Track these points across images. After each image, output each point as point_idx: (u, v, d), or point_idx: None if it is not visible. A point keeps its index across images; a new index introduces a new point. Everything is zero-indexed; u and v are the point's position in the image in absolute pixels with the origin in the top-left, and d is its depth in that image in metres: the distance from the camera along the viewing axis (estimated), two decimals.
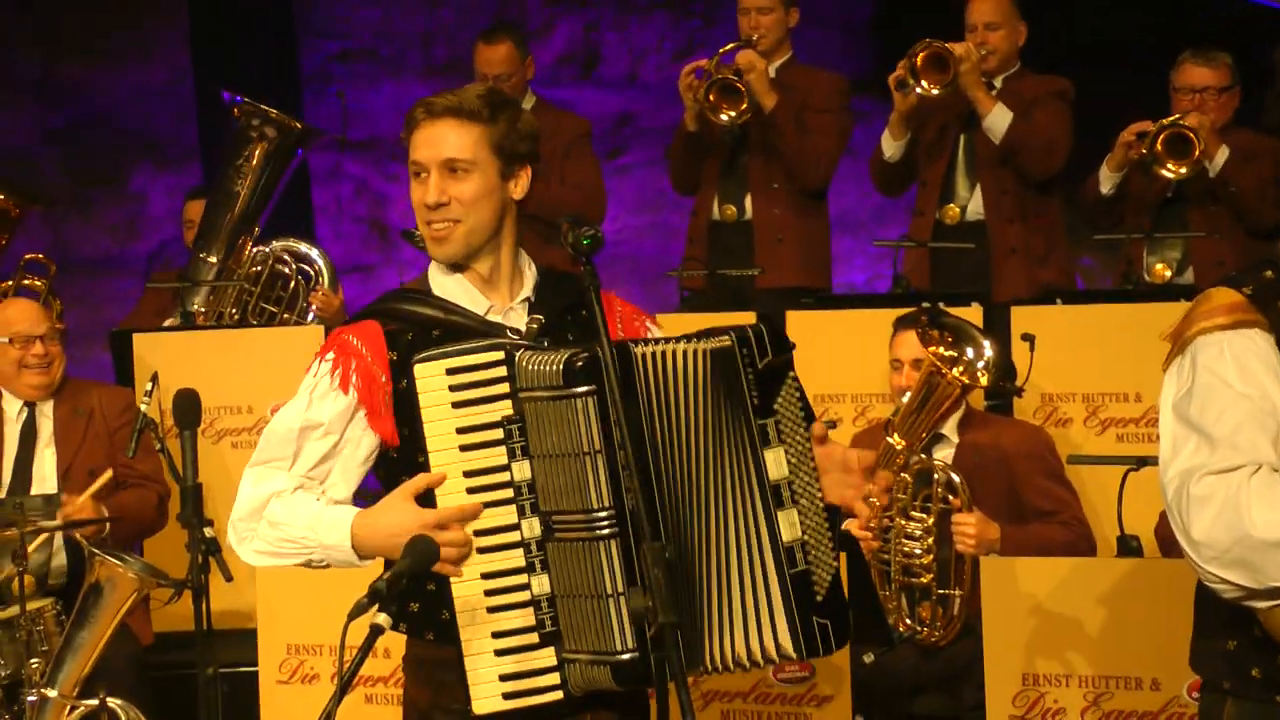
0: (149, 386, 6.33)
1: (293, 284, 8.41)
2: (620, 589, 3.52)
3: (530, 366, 3.60)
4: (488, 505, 3.63)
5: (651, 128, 11.51)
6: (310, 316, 8.32)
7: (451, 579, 3.62)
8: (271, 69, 10.78)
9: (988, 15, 7.97)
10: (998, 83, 7.98)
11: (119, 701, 5.86)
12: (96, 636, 5.92)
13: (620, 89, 11.86)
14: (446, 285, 3.87)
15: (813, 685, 5.63)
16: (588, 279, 3.59)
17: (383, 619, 3.41)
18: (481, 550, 3.62)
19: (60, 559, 6.66)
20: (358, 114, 11.68)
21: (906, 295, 7.34)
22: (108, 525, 6.54)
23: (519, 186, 3.86)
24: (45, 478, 6.77)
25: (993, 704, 5.56)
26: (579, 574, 3.58)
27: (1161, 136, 7.44)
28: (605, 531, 3.54)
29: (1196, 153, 7.39)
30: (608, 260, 10.26)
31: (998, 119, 7.81)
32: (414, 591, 3.64)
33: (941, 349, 5.94)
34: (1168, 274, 7.63)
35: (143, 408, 6.26)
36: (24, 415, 6.87)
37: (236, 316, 8.35)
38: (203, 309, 8.46)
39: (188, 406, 5.68)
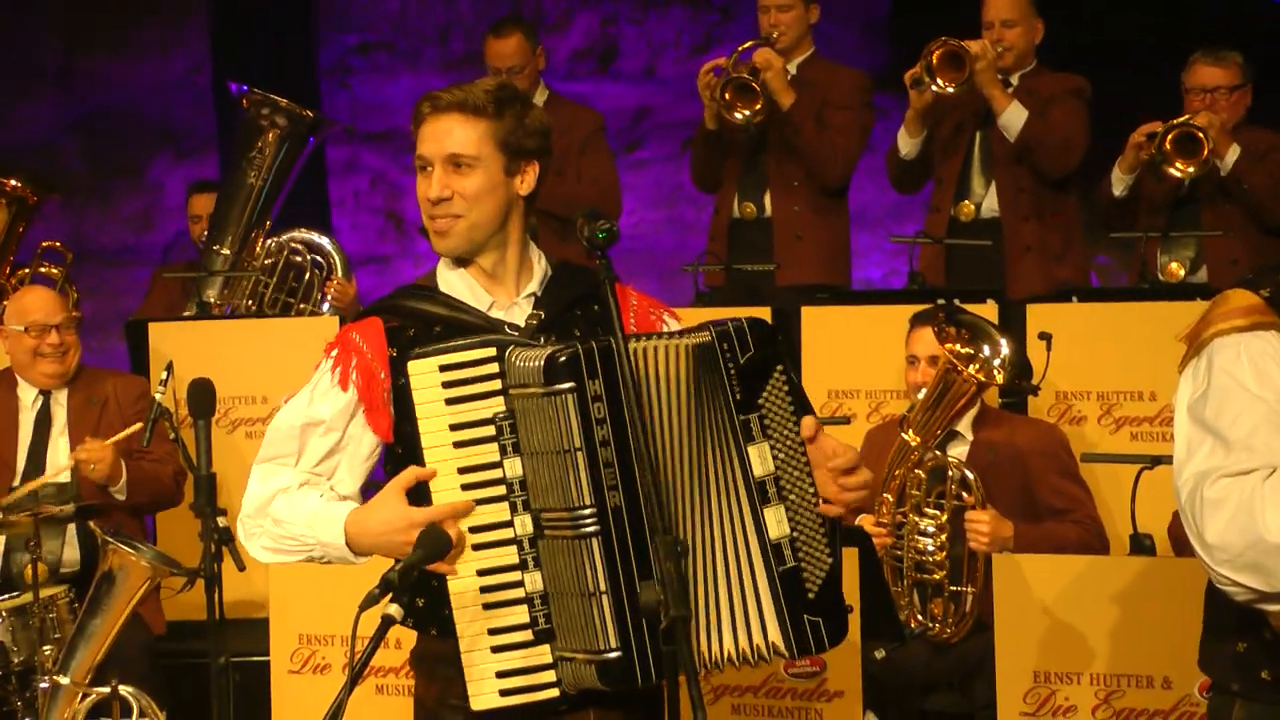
0: (164, 376, 6.33)
1: (308, 274, 8.42)
2: (604, 587, 3.51)
3: (518, 363, 3.59)
4: (481, 502, 3.62)
5: (669, 122, 11.51)
6: (326, 307, 8.32)
7: (447, 576, 3.62)
8: (289, 61, 10.80)
9: (1004, 12, 7.95)
10: (1014, 80, 7.97)
11: (131, 689, 5.87)
12: (109, 624, 5.93)
13: (638, 83, 11.86)
14: (451, 281, 3.87)
15: (823, 680, 5.63)
16: (603, 272, 3.59)
17: (394, 610, 3.41)
18: (476, 547, 3.61)
19: (73, 547, 6.68)
20: (375, 106, 11.70)
21: (922, 292, 7.34)
22: (121, 487, 6.55)
23: (525, 182, 3.84)
24: (59, 466, 6.77)
25: (1004, 701, 5.56)
26: (566, 572, 3.57)
27: (1170, 136, 7.42)
28: (589, 529, 3.52)
29: (1205, 152, 7.37)
30: (623, 254, 10.23)
31: (1013, 117, 7.80)
32: (420, 586, 3.63)
33: (958, 346, 5.94)
34: (1182, 273, 7.62)
35: (158, 397, 6.27)
36: (39, 403, 6.88)
37: (253, 308, 8.36)
38: (218, 302, 8.47)
39: (202, 396, 5.70)
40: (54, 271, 8.52)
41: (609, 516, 3.53)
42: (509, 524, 3.62)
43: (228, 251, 8.48)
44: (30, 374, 6.87)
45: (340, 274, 8.39)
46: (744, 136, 8.26)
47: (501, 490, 3.62)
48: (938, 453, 5.94)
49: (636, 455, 3.54)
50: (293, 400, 3.87)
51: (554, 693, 3.62)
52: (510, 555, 3.62)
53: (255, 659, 6.43)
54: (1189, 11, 9.79)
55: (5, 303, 7.43)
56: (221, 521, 5.42)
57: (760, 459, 3.66)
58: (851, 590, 5.49)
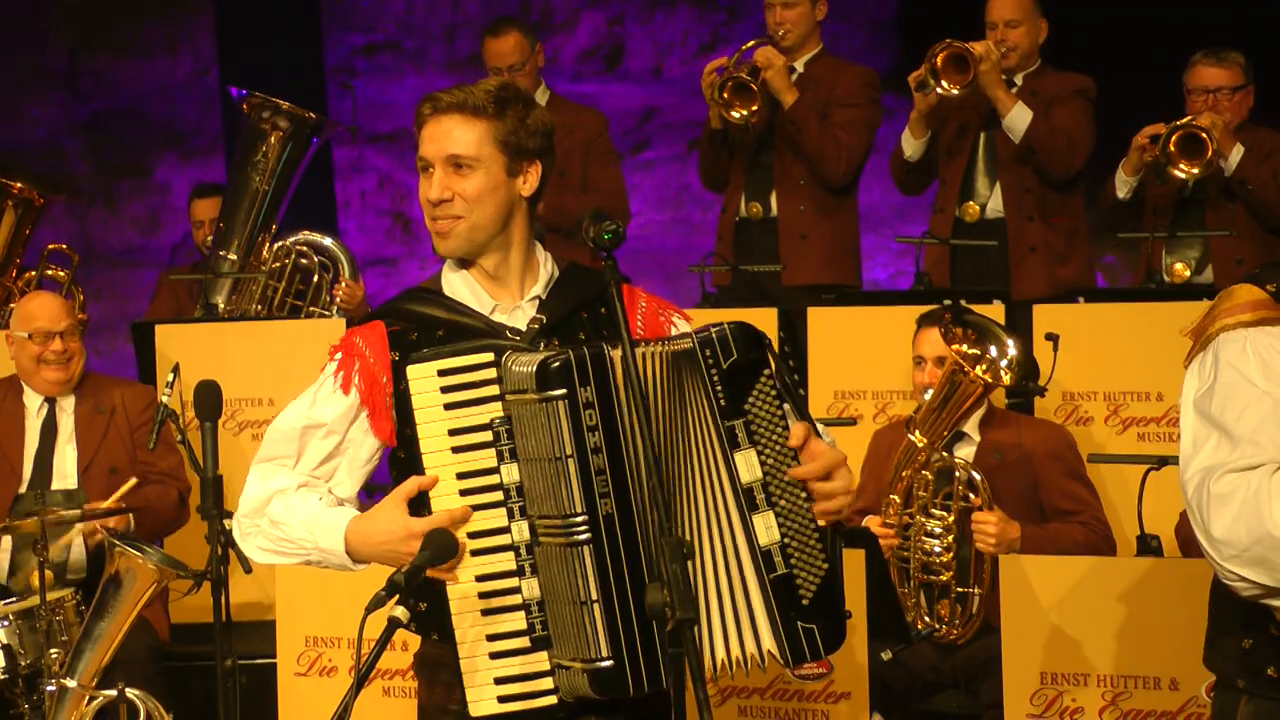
0: (170, 378, 6.33)
1: (316, 277, 8.41)
2: (595, 596, 3.50)
3: (514, 368, 3.58)
4: (479, 508, 3.60)
5: (675, 122, 11.51)
6: (334, 310, 8.32)
7: (447, 581, 3.61)
8: (296, 62, 10.80)
9: (1008, 12, 7.95)
10: (1018, 80, 7.96)
11: (137, 692, 5.86)
12: (116, 627, 5.92)
13: (644, 83, 11.85)
14: (455, 283, 3.86)
15: (830, 682, 5.62)
16: (609, 274, 3.58)
17: (400, 612, 3.42)
18: (474, 553, 3.60)
19: (80, 551, 6.67)
20: (381, 107, 11.70)
21: (929, 292, 7.33)
22: (131, 520, 6.55)
23: (528, 183, 3.82)
24: (66, 474, 6.77)
25: (1011, 702, 5.54)
26: (560, 579, 3.56)
27: (1174, 138, 7.41)
28: (581, 537, 3.51)
29: (1209, 153, 7.36)
30: (630, 255, 10.26)
31: (1018, 118, 7.80)
32: (423, 590, 3.60)
33: (965, 347, 5.93)
34: (1187, 273, 7.61)
35: (164, 399, 6.27)
36: (44, 410, 6.87)
37: (263, 313, 8.35)
38: (228, 308, 8.46)
39: (209, 398, 5.70)
40: (60, 274, 8.51)
41: (600, 524, 3.52)
42: (506, 530, 3.61)
43: (234, 256, 8.48)
44: (34, 381, 6.86)
45: (348, 276, 8.39)
46: (742, 136, 8.26)
47: (499, 496, 3.61)
48: (944, 454, 5.93)
49: (628, 463, 3.54)
50: (294, 402, 3.87)
51: (552, 700, 3.61)
52: (508, 561, 3.61)
53: (262, 661, 6.42)
54: (1191, 11, 9.77)
55: (12, 307, 7.43)
56: (228, 524, 5.41)
57: (747, 465, 3.64)
58: (858, 591, 5.51)
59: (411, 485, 3.63)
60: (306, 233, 8.49)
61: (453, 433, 3.62)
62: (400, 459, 3.77)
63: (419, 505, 3.64)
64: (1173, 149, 7.42)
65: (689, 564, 3.54)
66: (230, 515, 5.37)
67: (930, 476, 5.91)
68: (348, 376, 3.79)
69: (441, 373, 3.63)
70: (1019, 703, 5.53)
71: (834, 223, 8.28)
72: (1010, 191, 7.95)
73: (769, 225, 8.30)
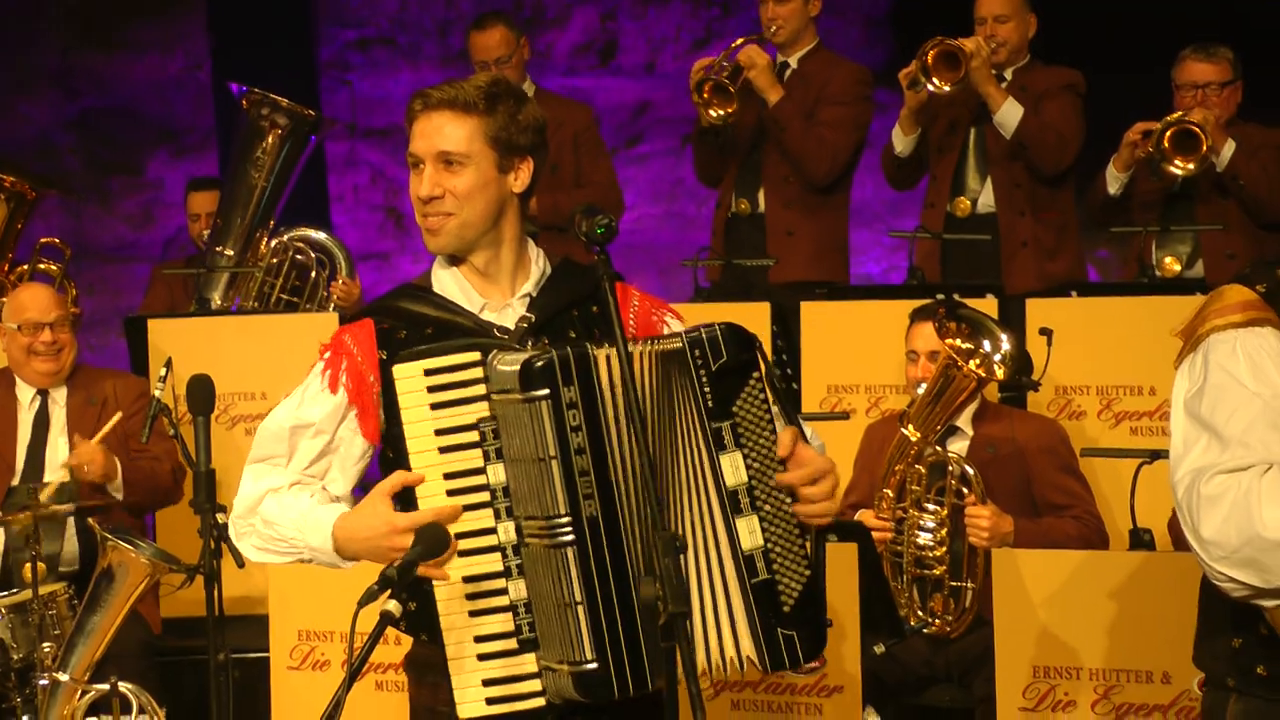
0: (163, 372, 6.33)
1: (313, 273, 8.41)
2: (579, 598, 3.48)
3: (499, 368, 3.56)
4: (466, 509, 3.58)
5: (669, 117, 11.51)
6: (331, 307, 8.31)
7: (434, 582, 3.59)
8: (289, 57, 10.79)
9: (997, 8, 7.96)
10: (1008, 75, 7.98)
11: (130, 686, 5.86)
12: (108, 621, 5.93)
13: (638, 78, 11.85)
14: (445, 281, 3.84)
15: (823, 676, 5.61)
16: (601, 269, 3.56)
17: (393, 606, 3.40)
18: (461, 553, 3.58)
19: (72, 544, 6.67)
20: (375, 102, 11.70)
21: (922, 287, 7.34)
22: (119, 485, 6.54)
23: (519, 179, 3.79)
24: (58, 466, 6.76)
25: (1003, 696, 5.55)
26: (545, 581, 3.53)
27: (1168, 134, 7.41)
28: (565, 539, 3.49)
29: (1204, 148, 7.36)
30: (623, 249, 10.26)
31: (1009, 114, 7.80)
32: (412, 590, 3.53)
33: (958, 341, 5.94)
34: (1177, 268, 7.62)
35: (156, 393, 6.26)
36: (37, 403, 6.87)
37: (258, 309, 8.34)
38: (224, 304, 8.46)
39: (201, 392, 5.68)
40: (53, 268, 8.50)
41: (584, 526, 3.49)
42: (493, 531, 3.58)
43: (231, 252, 8.48)
44: (25, 372, 6.86)
45: (345, 273, 8.38)
46: (713, 139, 8.26)
47: (486, 496, 3.59)
48: (938, 448, 5.94)
49: (613, 464, 3.51)
50: (284, 402, 3.85)
51: (539, 702, 3.59)
52: (495, 562, 3.59)
53: (254, 655, 6.43)
54: (1179, 5, 9.77)
55: (3, 300, 7.42)
56: (221, 518, 5.39)
57: (733, 468, 3.60)
58: (851, 585, 5.51)
59: (395, 480, 3.61)
60: (303, 229, 8.48)
61: (439, 432, 3.60)
62: (389, 458, 3.75)
63: (407, 506, 3.61)
64: (1167, 145, 7.42)
65: None
66: (223, 509, 5.38)
67: (923, 471, 5.91)
68: (335, 375, 3.76)
69: (428, 372, 3.61)
70: (1011, 697, 5.53)
71: (821, 220, 8.28)
72: (1001, 187, 7.97)
73: (757, 221, 8.31)
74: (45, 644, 5.98)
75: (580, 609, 3.48)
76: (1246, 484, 3.36)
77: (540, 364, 3.48)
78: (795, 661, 3.64)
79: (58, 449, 6.81)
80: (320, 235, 8.52)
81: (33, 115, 11.69)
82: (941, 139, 8.07)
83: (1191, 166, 7.42)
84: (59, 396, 6.88)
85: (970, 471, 5.87)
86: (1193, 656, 3.80)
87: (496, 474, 3.58)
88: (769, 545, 3.61)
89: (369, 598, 3.38)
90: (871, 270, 11.22)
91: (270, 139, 8.48)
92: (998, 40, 7.90)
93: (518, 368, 3.49)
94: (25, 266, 8.51)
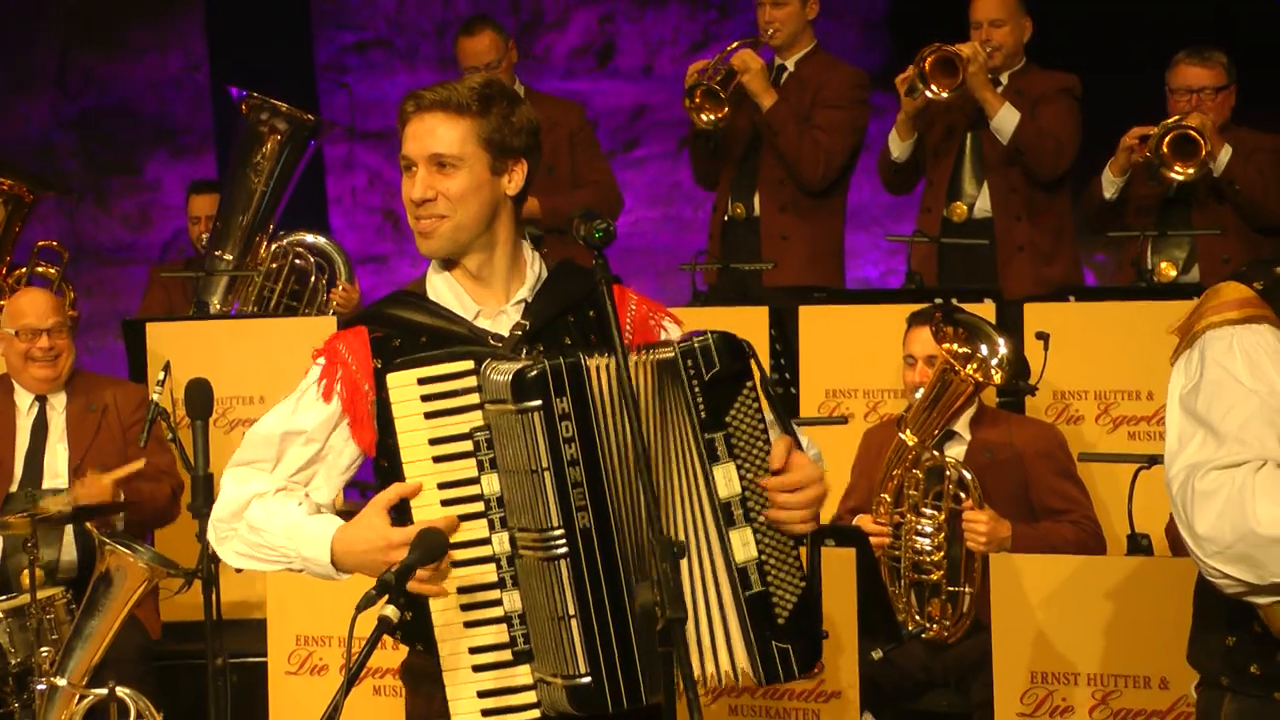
0: (161, 376, 6.31)
1: (311, 278, 8.40)
2: (572, 611, 3.46)
3: (493, 377, 3.53)
4: (461, 519, 3.55)
5: (666, 120, 11.52)
6: (330, 312, 8.29)
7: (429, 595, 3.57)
8: (287, 59, 10.79)
9: (992, 12, 7.94)
10: (1004, 79, 7.96)
11: (128, 691, 5.86)
12: (106, 625, 5.92)
13: (635, 81, 11.85)
14: (439, 287, 3.80)
15: (821, 682, 5.61)
16: (599, 273, 3.51)
17: (391, 611, 3.38)
18: (455, 564, 3.55)
19: (71, 549, 6.65)
20: (372, 105, 11.70)
21: (920, 291, 7.33)
22: (121, 516, 6.54)
23: (513, 182, 3.76)
24: (57, 473, 6.76)
25: (1001, 701, 5.54)
26: (539, 593, 3.51)
27: (1167, 139, 7.41)
28: (558, 551, 3.47)
29: (1202, 153, 7.36)
30: (621, 253, 10.27)
31: (1005, 119, 7.79)
32: (408, 600, 3.48)
33: (956, 346, 5.93)
34: (1173, 273, 7.61)
35: (155, 397, 6.25)
36: (35, 410, 6.86)
37: (257, 313, 8.34)
38: (223, 309, 8.45)
39: (200, 396, 5.70)
40: (51, 271, 8.49)
41: (578, 538, 3.47)
42: (487, 541, 3.56)
43: (230, 257, 8.47)
44: (23, 378, 6.84)
45: (344, 279, 8.37)
46: (706, 143, 8.26)
47: (480, 507, 3.57)
48: (935, 453, 5.94)
49: (606, 475, 3.49)
50: (276, 408, 3.82)
51: (535, 714, 3.57)
52: (489, 573, 3.57)
53: (252, 660, 6.43)
54: (1174, 7, 9.78)
55: (2, 304, 7.41)
56: None
57: (726, 480, 3.56)
58: (849, 590, 5.51)
59: (392, 493, 3.59)
60: (303, 233, 8.48)
61: (433, 442, 3.58)
62: (384, 468, 3.71)
63: (402, 516, 3.59)
64: (1166, 151, 7.42)
65: None
66: None
67: (921, 475, 5.90)
68: (330, 384, 3.74)
69: (421, 381, 3.59)
70: (1009, 702, 5.53)
71: (815, 224, 8.27)
72: (997, 191, 7.96)
73: (752, 225, 8.30)
74: (43, 648, 5.96)
75: (574, 622, 3.46)
76: (1241, 480, 3.35)
77: (533, 374, 3.46)
78: (790, 674, 3.61)
79: (56, 455, 6.80)
80: (319, 240, 8.51)
81: (31, 116, 11.70)
82: (938, 144, 8.07)
83: (1191, 172, 7.41)
84: (58, 403, 6.87)
85: (968, 476, 5.86)
86: (1187, 655, 3.80)
87: (491, 484, 3.56)
88: (763, 557, 3.58)
89: (367, 603, 3.37)
90: (869, 274, 11.22)
91: (269, 144, 8.47)
92: (993, 44, 7.89)
93: (510, 377, 3.47)
94: (23, 270, 8.50)
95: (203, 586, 5.63)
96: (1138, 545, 5.85)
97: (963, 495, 5.86)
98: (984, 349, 5.97)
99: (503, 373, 3.50)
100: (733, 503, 3.57)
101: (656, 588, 3.31)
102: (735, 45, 8.26)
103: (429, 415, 3.58)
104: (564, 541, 3.47)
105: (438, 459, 3.58)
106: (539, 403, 3.45)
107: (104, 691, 5.82)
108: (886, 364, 6.75)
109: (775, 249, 8.16)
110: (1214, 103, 7.61)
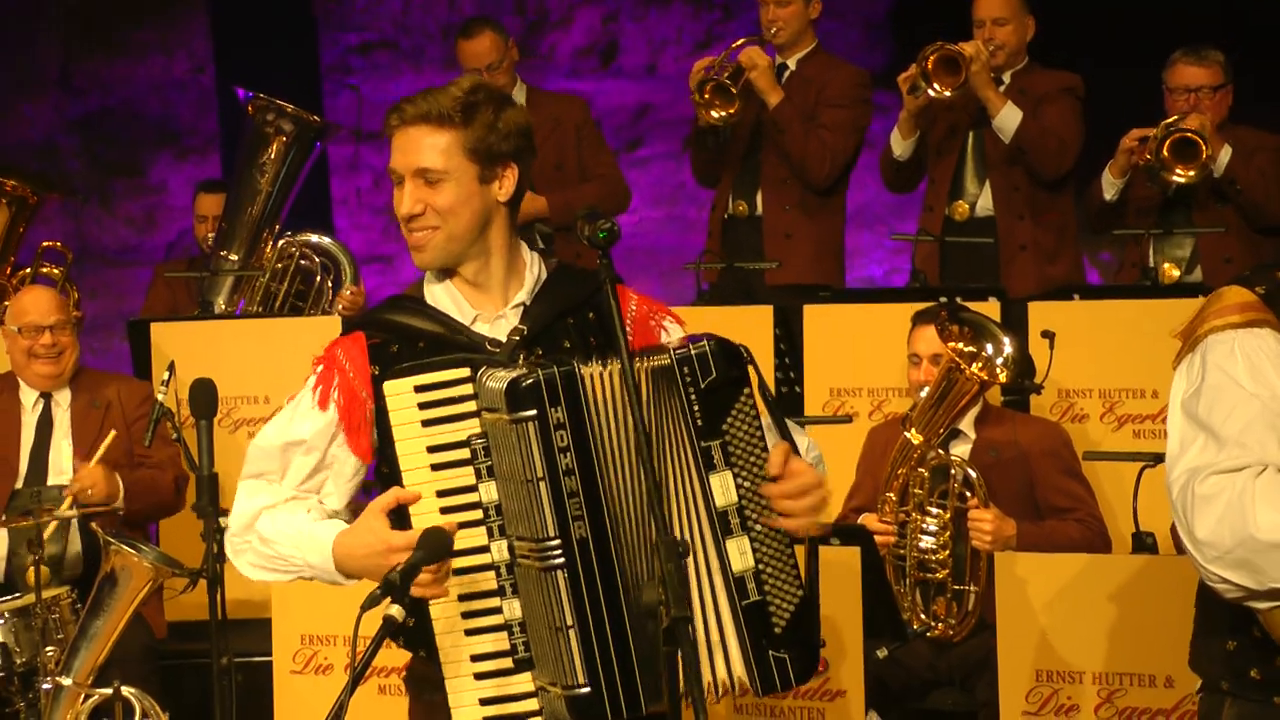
0: (165, 375, 6.31)
1: (317, 279, 8.40)
2: (570, 621, 3.44)
3: (488, 384, 3.51)
4: (460, 526, 3.53)
5: (670, 119, 11.51)
6: (336, 313, 8.28)
7: (429, 601, 3.55)
8: (292, 60, 10.79)
9: (995, 10, 7.93)
10: (1006, 78, 7.95)
11: (133, 690, 5.85)
12: (112, 625, 5.92)
13: (639, 80, 11.85)
14: (436, 292, 3.78)
15: (825, 680, 5.60)
16: (604, 274, 3.48)
17: (396, 611, 3.37)
18: (455, 571, 3.53)
19: (76, 548, 6.66)
20: (378, 106, 11.69)
21: (924, 290, 7.33)
22: (121, 501, 6.54)
23: (504, 188, 3.71)
24: (62, 469, 6.76)
25: (1006, 700, 5.53)
26: (537, 603, 3.50)
27: (1167, 142, 7.40)
28: (555, 561, 3.45)
29: (1203, 155, 7.35)
30: (625, 252, 10.26)
31: (1008, 118, 7.78)
32: (410, 605, 3.46)
33: (961, 344, 5.93)
34: (1176, 274, 7.60)
35: (160, 397, 6.25)
36: (40, 406, 6.86)
37: (261, 313, 8.33)
38: (229, 308, 8.45)
39: (204, 396, 5.69)
40: (55, 271, 8.50)
41: (574, 548, 3.45)
42: (486, 549, 3.55)
43: (235, 257, 8.47)
44: (26, 375, 6.85)
45: (349, 280, 8.36)
46: (713, 140, 8.25)
47: (478, 514, 3.55)
48: (940, 451, 5.93)
49: (603, 484, 3.47)
50: (276, 418, 3.81)
51: None
52: (489, 581, 3.56)
53: (257, 659, 6.41)
54: (1179, 4, 9.76)
55: (6, 303, 7.42)
56: (223, 522, 5.39)
57: (723, 488, 3.54)
58: (854, 589, 5.51)
59: (389, 498, 3.58)
60: (308, 234, 8.47)
61: (431, 449, 3.57)
62: (384, 474, 3.69)
63: (401, 523, 3.58)
64: (1166, 154, 7.41)
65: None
66: (226, 514, 5.38)
67: (926, 474, 5.90)
68: (326, 392, 3.71)
69: (418, 389, 3.57)
70: (1014, 700, 5.52)
71: (819, 223, 8.26)
72: (1000, 190, 7.95)
73: (755, 224, 8.29)
74: (48, 648, 5.96)
75: (572, 633, 3.45)
76: (1241, 485, 3.35)
77: (527, 384, 3.44)
78: (787, 684, 3.60)
79: (61, 452, 6.80)
80: (325, 240, 8.51)
81: (35, 117, 11.69)
82: (940, 142, 8.06)
83: (1192, 174, 7.41)
84: (62, 400, 6.87)
85: (973, 475, 5.86)
86: (1188, 660, 3.80)
87: (489, 492, 3.55)
88: (760, 566, 3.57)
89: (371, 602, 3.36)
90: (874, 273, 11.21)
91: (275, 145, 8.47)
92: (996, 43, 7.88)
93: (504, 386, 3.45)
94: (27, 270, 8.51)
95: (208, 586, 5.62)
96: (1143, 544, 5.84)
97: (968, 494, 5.85)
98: (989, 348, 5.96)
99: (498, 380, 3.48)
100: (729, 511, 3.55)
101: (661, 587, 3.30)
102: (741, 42, 8.25)
103: (426, 423, 3.57)
104: (560, 552, 3.45)
105: (436, 466, 3.57)
106: (533, 412, 3.43)
107: (109, 691, 5.80)
108: (891, 363, 6.74)
109: (778, 247, 8.15)
110: (1212, 101, 7.60)
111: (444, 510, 3.56)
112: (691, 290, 8.03)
